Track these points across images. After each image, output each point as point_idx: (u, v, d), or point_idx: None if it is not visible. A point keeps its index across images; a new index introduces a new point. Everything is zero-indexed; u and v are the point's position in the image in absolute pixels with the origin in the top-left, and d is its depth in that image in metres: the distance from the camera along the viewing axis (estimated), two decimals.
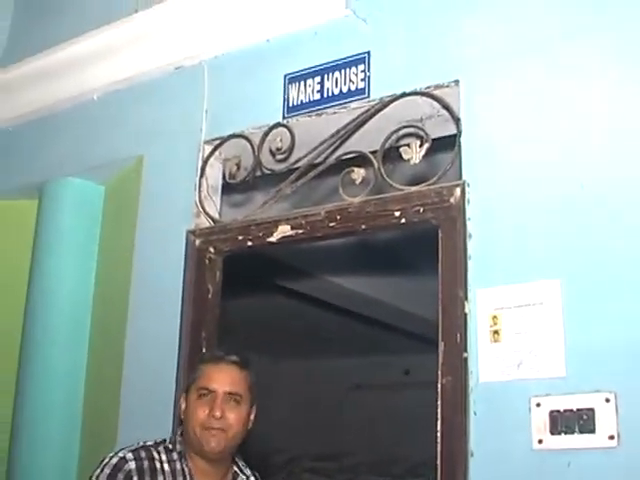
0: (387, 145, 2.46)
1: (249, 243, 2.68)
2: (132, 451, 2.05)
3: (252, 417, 2.16)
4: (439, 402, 2.15)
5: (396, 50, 2.51)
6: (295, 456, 8.36)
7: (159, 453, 2.08)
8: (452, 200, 2.27)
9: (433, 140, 2.39)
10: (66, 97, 3.32)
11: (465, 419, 2.09)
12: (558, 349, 2.01)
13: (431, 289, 2.39)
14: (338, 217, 2.49)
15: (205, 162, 2.85)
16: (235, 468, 2.18)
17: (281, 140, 2.66)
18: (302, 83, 2.68)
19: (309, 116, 2.64)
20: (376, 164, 2.45)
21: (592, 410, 1.93)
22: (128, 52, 3.14)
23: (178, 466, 2.07)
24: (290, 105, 2.69)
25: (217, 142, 2.84)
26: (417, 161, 2.38)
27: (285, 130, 2.66)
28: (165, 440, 2.14)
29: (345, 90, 2.58)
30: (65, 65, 3.28)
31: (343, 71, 2.59)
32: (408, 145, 2.40)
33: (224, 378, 2.11)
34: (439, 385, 2.17)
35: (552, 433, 1.97)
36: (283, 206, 2.89)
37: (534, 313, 2.07)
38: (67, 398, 3.08)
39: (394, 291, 5.73)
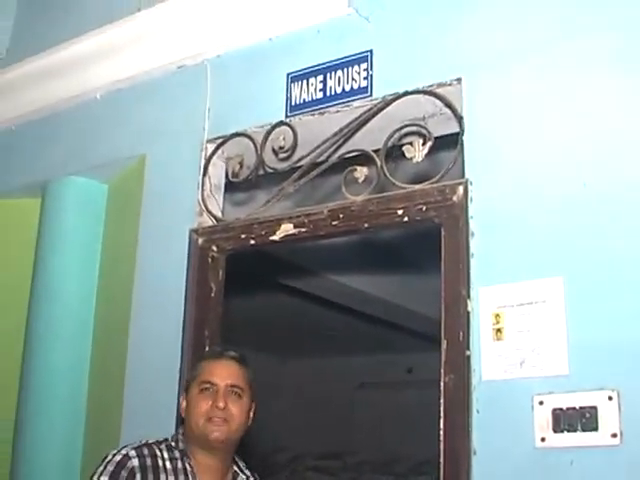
0: (390, 143, 2.46)
1: (252, 242, 2.68)
2: (135, 448, 2.05)
3: (252, 414, 2.17)
4: (442, 400, 2.15)
5: (398, 48, 2.51)
6: (299, 454, 8.37)
7: (161, 451, 2.08)
8: (455, 198, 2.27)
9: (436, 138, 2.39)
10: (69, 96, 3.32)
11: (468, 417, 2.09)
12: (561, 347, 2.01)
13: (434, 287, 2.39)
14: (341, 216, 2.49)
15: (208, 161, 2.85)
16: (235, 468, 2.19)
17: (284, 139, 2.66)
18: (305, 82, 2.68)
19: (312, 115, 2.64)
20: (379, 162, 2.45)
21: (595, 408, 1.92)
22: (130, 51, 3.14)
23: (180, 464, 2.07)
24: (293, 104, 2.69)
25: (220, 141, 2.84)
26: (420, 159, 2.38)
27: (288, 129, 2.66)
28: (167, 439, 2.15)
29: (348, 89, 2.58)
30: (68, 64, 3.29)
31: (346, 70, 2.59)
32: (411, 143, 2.40)
33: (225, 372, 2.13)
34: (442, 383, 2.16)
35: (555, 431, 1.97)
36: (286, 205, 2.89)
37: (537, 311, 2.07)
38: (71, 395, 3.09)
39: (396, 289, 5.73)
